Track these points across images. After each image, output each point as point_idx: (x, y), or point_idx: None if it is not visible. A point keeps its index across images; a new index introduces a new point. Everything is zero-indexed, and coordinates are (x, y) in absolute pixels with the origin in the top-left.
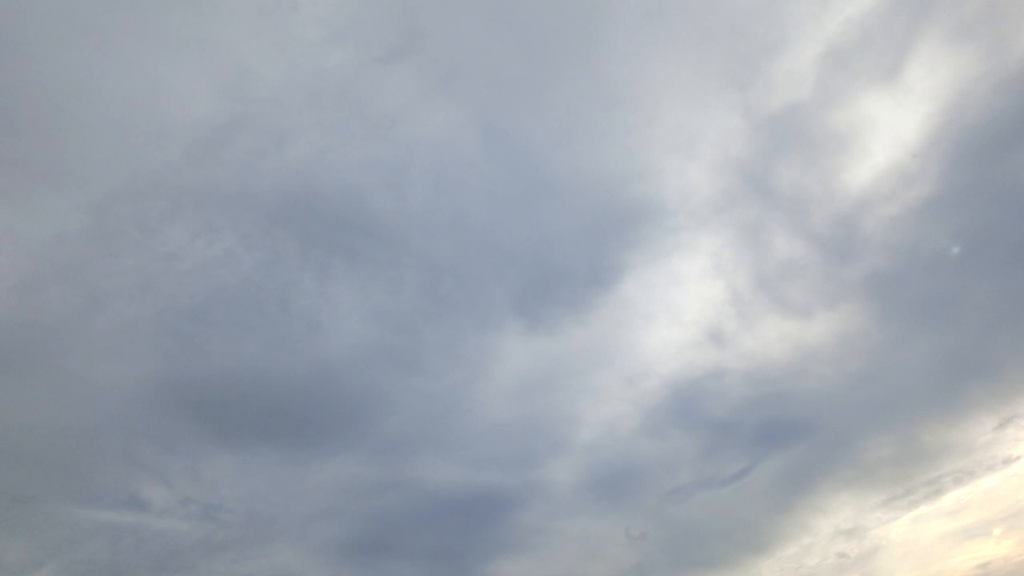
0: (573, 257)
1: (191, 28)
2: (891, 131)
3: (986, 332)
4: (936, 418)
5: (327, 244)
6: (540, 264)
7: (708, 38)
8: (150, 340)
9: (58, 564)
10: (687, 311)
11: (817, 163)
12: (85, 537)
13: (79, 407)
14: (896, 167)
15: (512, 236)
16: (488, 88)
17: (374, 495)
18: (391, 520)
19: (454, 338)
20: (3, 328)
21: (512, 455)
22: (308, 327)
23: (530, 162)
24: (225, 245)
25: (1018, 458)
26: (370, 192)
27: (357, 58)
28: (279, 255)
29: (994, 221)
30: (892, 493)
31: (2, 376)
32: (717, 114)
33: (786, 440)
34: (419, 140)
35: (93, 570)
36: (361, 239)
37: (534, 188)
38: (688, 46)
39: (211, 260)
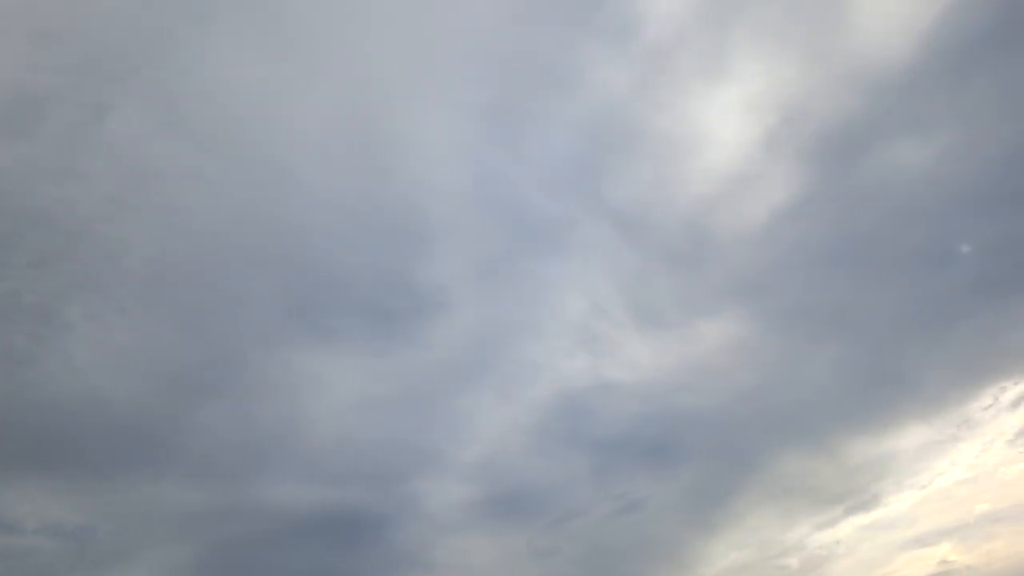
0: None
1: None
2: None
3: (892, 341)
4: (851, 430)
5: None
6: (380, 285)
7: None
8: None
9: None
10: (559, 324)
11: (656, 172)
12: None
13: None
14: (743, 174)
15: (342, 247)
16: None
17: (216, 519)
18: (243, 543)
19: (275, 360)
20: None
21: (373, 472)
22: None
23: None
24: None
25: (943, 472)
26: None
27: None
28: None
29: (867, 225)
30: (821, 505)
31: None
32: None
33: (684, 456)
34: None
35: None
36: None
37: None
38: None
39: None
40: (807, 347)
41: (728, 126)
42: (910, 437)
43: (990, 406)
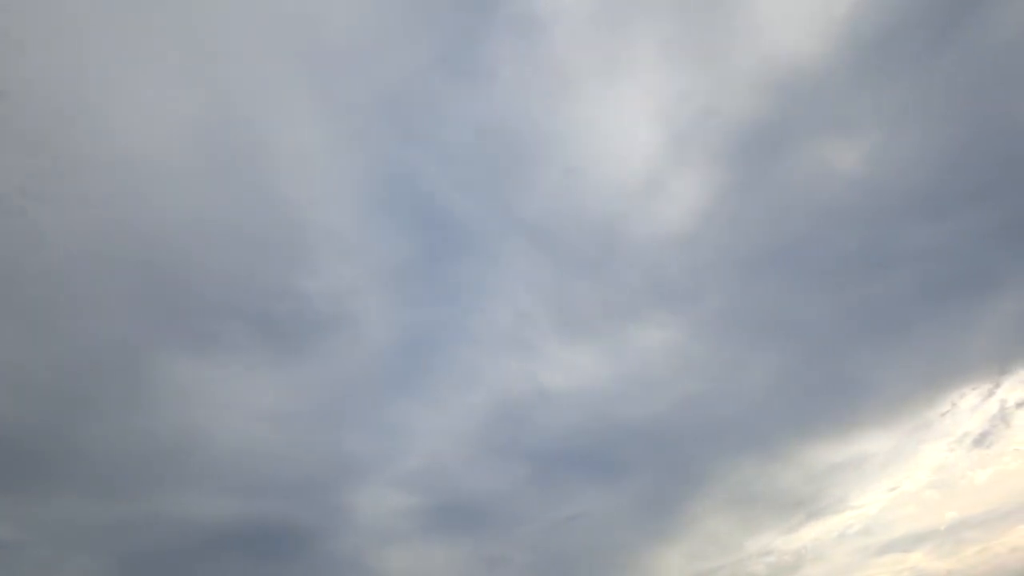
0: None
1: None
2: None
3: (839, 346)
4: (806, 436)
5: None
6: (259, 293)
7: None
8: None
9: None
10: (487, 330)
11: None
12: None
13: None
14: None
15: (211, 253)
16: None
17: (122, 531)
18: (153, 556)
19: (153, 368)
20: None
21: (293, 483)
22: None
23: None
24: None
25: (907, 477)
26: None
27: None
28: None
29: (796, 228)
30: (783, 512)
31: None
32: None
33: (628, 465)
34: None
35: None
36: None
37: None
38: None
39: None
40: (746, 354)
41: (637, 129)
42: (870, 442)
43: (948, 411)
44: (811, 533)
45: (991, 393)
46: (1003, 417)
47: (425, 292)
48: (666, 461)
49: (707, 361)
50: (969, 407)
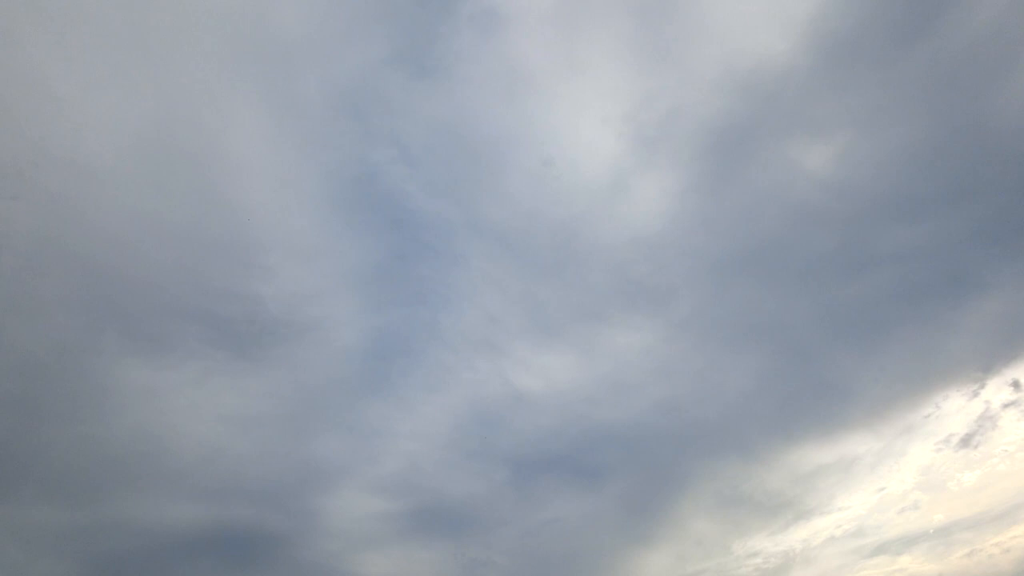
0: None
1: None
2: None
3: (819, 349)
4: (789, 439)
5: None
6: (210, 297)
7: None
8: None
9: None
10: (460, 333)
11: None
12: None
13: None
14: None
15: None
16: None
17: (88, 536)
18: (122, 560)
19: (98, 371)
20: None
21: (262, 488)
22: None
23: None
24: None
25: (892, 479)
26: None
27: None
28: None
29: (768, 230)
30: (769, 515)
31: None
32: None
33: (608, 469)
34: None
35: None
36: None
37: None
38: None
39: None
40: (724, 356)
41: (604, 129)
42: (855, 444)
43: (933, 413)
44: (799, 535)
45: (975, 394)
46: (989, 418)
47: (395, 294)
48: (647, 464)
49: (684, 364)
50: (954, 408)
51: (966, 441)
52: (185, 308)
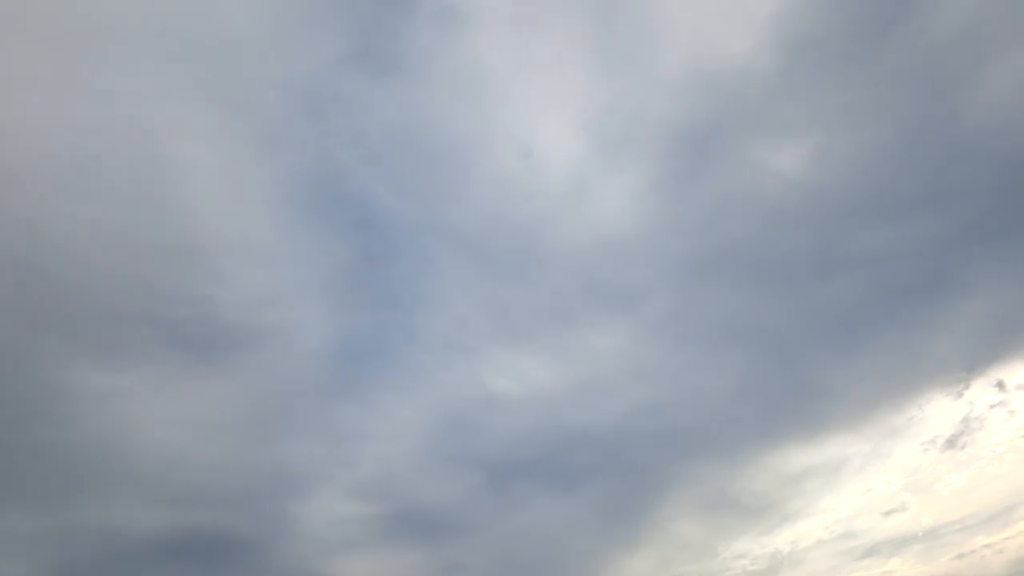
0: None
1: None
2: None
3: (798, 351)
4: (773, 441)
5: None
6: (161, 300)
7: None
8: None
9: None
10: (433, 335)
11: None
12: None
13: None
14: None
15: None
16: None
17: (54, 541)
18: (89, 565)
19: (46, 376)
20: None
21: (230, 494)
22: None
23: None
24: None
25: (878, 481)
26: None
27: None
28: None
29: (740, 231)
30: (755, 517)
31: None
32: None
33: (587, 472)
34: None
35: None
36: None
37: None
38: None
39: None
40: (702, 358)
41: (568, 130)
42: (840, 446)
43: (917, 414)
44: (786, 537)
45: (960, 395)
46: (975, 419)
47: (363, 297)
48: (626, 467)
49: (660, 365)
50: (938, 410)
51: (952, 442)
52: (131, 312)
